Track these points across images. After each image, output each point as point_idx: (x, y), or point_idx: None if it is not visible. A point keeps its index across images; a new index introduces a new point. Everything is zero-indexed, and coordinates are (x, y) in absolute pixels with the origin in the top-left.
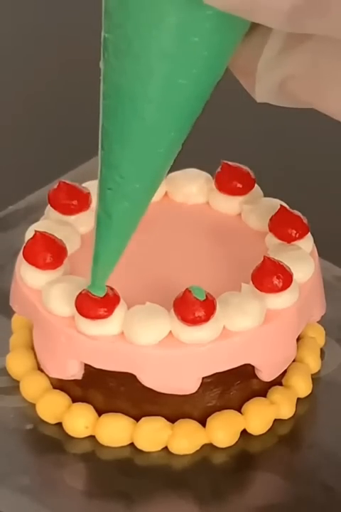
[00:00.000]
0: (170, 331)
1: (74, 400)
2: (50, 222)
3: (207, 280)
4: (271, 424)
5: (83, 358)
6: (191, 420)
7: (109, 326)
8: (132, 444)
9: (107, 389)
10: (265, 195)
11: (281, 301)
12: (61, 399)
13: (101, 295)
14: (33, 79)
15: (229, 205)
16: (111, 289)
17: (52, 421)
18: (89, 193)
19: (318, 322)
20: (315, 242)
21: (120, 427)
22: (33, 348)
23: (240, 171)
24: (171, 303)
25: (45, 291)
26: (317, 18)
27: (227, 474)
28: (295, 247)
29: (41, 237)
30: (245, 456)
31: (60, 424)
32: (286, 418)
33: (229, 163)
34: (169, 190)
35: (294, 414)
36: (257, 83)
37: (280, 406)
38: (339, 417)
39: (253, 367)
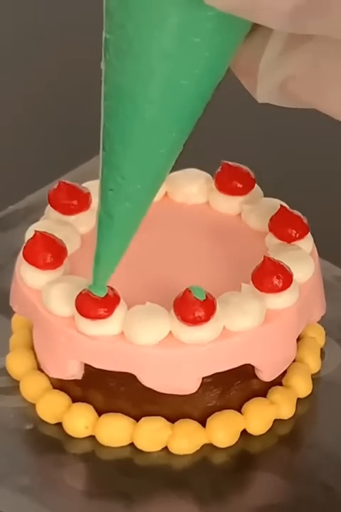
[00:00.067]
0: (170, 331)
1: (74, 400)
2: (50, 222)
3: (207, 280)
4: (271, 424)
5: (83, 358)
6: (191, 420)
7: (109, 326)
8: (132, 444)
9: (107, 389)
10: (265, 195)
11: (281, 301)
12: (61, 399)
13: (103, 295)
14: (33, 79)
15: (229, 205)
16: (112, 289)
17: (52, 421)
18: (89, 193)
19: (318, 322)
20: (315, 242)
21: (120, 427)
22: (33, 348)
23: (240, 171)
24: (171, 303)
25: (45, 291)
26: (318, 19)
27: (227, 474)
28: (295, 247)
29: (41, 237)
30: (245, 456)
31: (60, 424)
32: (286, 418)
33: (229, 163)
34: (169, 190)
35: (294, 414)
36: (258, 84)
37: (280, 406)
38: (339, 417)
39: (253, 367)
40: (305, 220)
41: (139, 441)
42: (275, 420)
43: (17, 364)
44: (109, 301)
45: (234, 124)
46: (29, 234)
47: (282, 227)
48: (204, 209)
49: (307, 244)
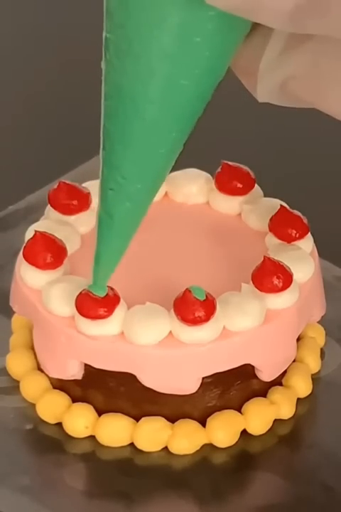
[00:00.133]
0: (170, 331)
1: (74, 400)
2: (50, 222)
3: (207, 280)
4: (271, 424)
5: (83, 358)
6: (191, 420)
7: (109, 326)
8: (132, 444)
9: (107, 389)
10: (265, 195)
11: (281, 301)
12: (61, 399)
13: (103, 295)
14: (33, 79)
15: (229, 205)
16: (112, 289)
17: (52, 421)
18: (89, 193)
19: (318, 322)
20: (315, 242)
21: (120, 427)
22: (33, 348)
23: (240, 171)
24: (171, 303)
25: (45, 291)
26: (318, 18)
27: (227, 474)
28: (295, 247)
29: (41, 237)
30: (245, 456)
31: (60, 424)
32: (286, 418)
33: (229, 163)
34: (169, 190)
35: (294, 414)
36: (259, 83)
37: (280, 406)
38: (339, 417)
39: (253, 367)
40: (305, 220)
41: (139, 441)
42: (275, 420)
43: (17, 364)
44: (109, 301)
45: (234, 124)
46: (29, 234)
47: (282, 227)
48: (204, 209)
49: (307, 244)
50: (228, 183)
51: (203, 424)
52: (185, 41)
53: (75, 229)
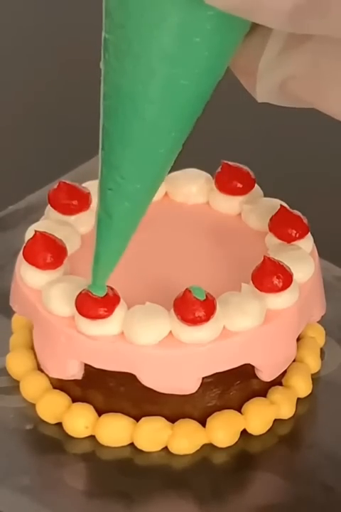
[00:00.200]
0: (170, 331)
1: (74, 400)
2: (50, 222)
3: (207, 280)
4: (271, 424)
5: (83, 358)
6: (191, 420)
7: (109, 326)
8: (132, 444)
9: (107, 389)
10: (265, 195)
11: (281, 301)
12: (61, 399)
13: (102, 295)
14: (33, 79)
15: (229, 205)
16: (111, 289)
17: (52, 421)
18: (89, 193)
19: (318, 322)
20: (315, 242)
21: (120, 427)
22: (33, 348)
23: (240, 171)
24: (171, 303)
25: (45, 291)
26: (318, 19)
27: (227, 474)
28: (295, 247)
29: (41, 237)
30: (245, 456)
31: (60, 424)
32: (286, 418)
33: (229, 163)
34: (169, 190)
35: (294, 414)
36: (258, 83)
37: (280, 406)
38: (339, 417)
39: (253, 367)
40: (305, 220)
41: (139, 441)
42: (275, 420)
43: (17, 364)
44: (109, 301)
45: (234, 124)
46: (29, 234)
47: (282, 227)
48: (204, 209)
49: (307, 244)
50: (228, 183)
51: (203, 424)
52: (185, 41)
53: (75, 229)
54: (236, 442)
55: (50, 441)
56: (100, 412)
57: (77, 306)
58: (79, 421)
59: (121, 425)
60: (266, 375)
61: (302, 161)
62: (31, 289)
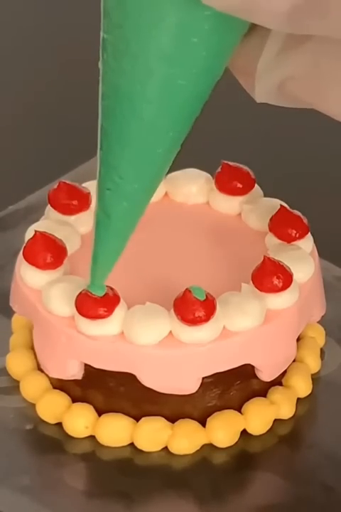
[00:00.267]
0: (170, 331)
1: (74, 400)
2: (50, 222)
3: (207, 280)
4: (271, 424)
5: (83, 358)
6: (191, 420)
7: (109, 326)
8: (132, 444)
9: (107, 389)
10: (265, 195)
11: (281, 301)
12: (61, 399)
13: (101, 295)
14: (33, 79)
15: (229, 205)
16: (111, 289)
17: (52, 421)
18: (89, 193)
19: (318, 322)
20: (315, 242)
21: (120, 427)
22: (33, 348)
23: (240, 171)
24: (171, 303)
25: (45, 291)
26: (317, 19)
27: (227, 474)
28: (295, 247)
29: (41, 237)
30: (245, 456)
31: (60, 424)
32: (286, 418)
33: (229, 163)
34: (169, 190)
35: (294, 414)
36: (257, 83)
37: (280, 406)
38: (339, 417)
39: (253, 367)
40: (305, 220)
41: (139, 441)
42: (275, 420)
43: (17, 364)
44: (109, 300)
45: (234, 124)
46: (29, 234)
47: (282, 227)
48: (204, 209)
49: (307, 244)
50: (228, 183)
51: (203, 424)
52: (183, 41)
53: (75, 229)
54: (236, 442)
55: (50, 441)
56: (100, 412)
57: (76, 306)
58: (79, 421)
59: (121, 425)
60: (266, 375)
61: (302, 161)
62: (31, 289)
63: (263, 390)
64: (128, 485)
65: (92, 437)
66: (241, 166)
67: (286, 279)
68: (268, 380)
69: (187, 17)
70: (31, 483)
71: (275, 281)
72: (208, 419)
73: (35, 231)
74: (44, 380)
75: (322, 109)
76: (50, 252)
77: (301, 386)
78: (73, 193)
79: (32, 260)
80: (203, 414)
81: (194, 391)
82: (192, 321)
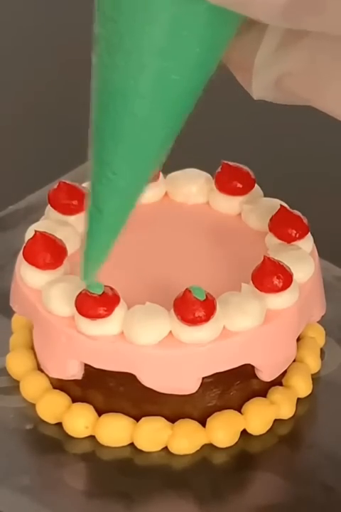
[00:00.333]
0: (170, 331)
1: (74, 400)
2: (50, 222)
3: (207, 280)
4: (271, 424)
5: (83, 358)
6: (191, 420)
7: (109, 326)
8: (132, 444)
9: (107, 389)
10: (265, 195)
11: (281, 301)
12: (61, 399)
13: (99, 293)
14: (33, 79)
15: (229, 205)
16: (111, 288)
17: (52, 421)
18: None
19: (318, 322)
20: (315, 242)
21: (120, 427)
22: (33, 348)
23: (240, 171)
24: (171, 303)
25: (45, 291)
26: (313, 15)
27: (227, 474)
28: (295, 247)
29: (41, 237)
30: (245, 456)
31: (60, 424)
32: (286, 418)
33: (229, 163)
34: (169, 190)
35: (294, 414)
36: (254, 79)
37: (280, 406)
38: (339, 417)
39: (253, 367)
40: (305, 220)
41: (139, 441)
42: (276, 420)
43: (17, 364)
44: (109, 300)
45: (234, 124)
46: (29, 234)
47: (282, 227)
48: (204, 209)
49: (307, 244)
50: (228, 183)
51: (203, 424)
52: (176, 36)
53: (75, 229)
54: (236, 442)
55: (50, 441)
56: (100, 412)
57: (76, 306)
58: (79, 421)
59: (121, 425)
60: (266, 375)
61: (302, 161)
62: (31, 289)
63: (263, 390)
64: (128, 485)
65: (92, 437)
66: (241, 166)
67: (286, 279)
68: (268, 380)
69: (181, 11)
70: (31, 483)
71: (275, 281)
72: (208, 419)
73: (35, 231)
74: (44, 380)
75: (319, 106)
76: (50, 252)
77: (301, 386)
78: (73, 193)
79: (32, 260)
80: (203, 414)
81: (194, 391)
82: (192, 321)
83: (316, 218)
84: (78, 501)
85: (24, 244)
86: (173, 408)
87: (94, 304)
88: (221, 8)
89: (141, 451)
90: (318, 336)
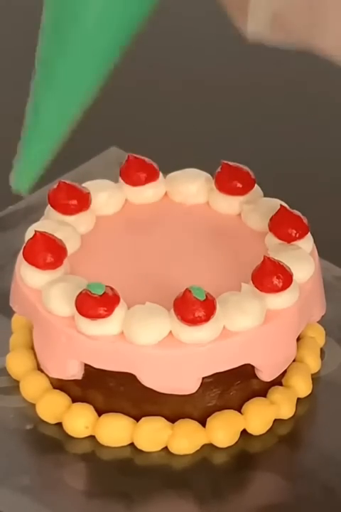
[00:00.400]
0: (170, 331)
1: (74, 400)
2: (50, 222)
3: (207, 280)
4: (271, 424)
5: (83, 358)
6: (191, 420)
7: (109, 326)
8: (132, 444)
9: (107, 389)
10: (265, 195)
11: (281, 301)
12: (61, 399)
13: (100, 293)
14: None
15: (229, 205)
16: (111, 288)
17: (52, 421)
18: (88, 193)
19: (318, 322)
20: (315, 242)
21: (120, 427)
22: (33, 348)
23: (240, 171)
24: (171, 303)
25: (45, 291)
26: None
27: (227, 474)
28: (295, 247)
29: (41, 237)
30: (245, 456)
31: (60, 424)
32: (286, 418)
33: (229, 163)
34: (169, 190)
35: (294, 414)
36: (249, 16)
37: (280, 406)
38: (339, 417)
39: (253, 367)
40: (305, 220)
41: (139, 441)
42: (275, 420)
43: (17, 364)
44: (109, 300)
45: (234, 124)
46: (29, 234)
47: (282, 227)
48: (204, 209)
49: (307, 244)
50: (228, 183)
51: (203, 424)
52: None
53: (75, 229)
54: (236, 442)
55: (50, 441)
56: (100, 412)
57: (76, 306)
58: (79, 421)
59: (121, 425)
60: (266, 375)
61: (302, 161)
62: (31, 289)
63: (263, 390)
64: (128, 485)
65: (92, 437)
66: (241, 166)
67: (286, 279)
68: (268, 380)
69: None
70: (31, 483)
71: (275, 281)
72: (208, 419)
73: (35, 231)
74: (44, 380)
75: (317, 47)
76: (50, 252)
77: (301, 386)
78: (73, 193)
79: (32, 260)
80: (203, 414)
81: (194, 391)
82: (192, 321)
83: (316, 218)
84: (78, 501)
85: (24, 244)
86: (173, 408)
87: (94, 303)
88: None
89: (141, 451)
90: (318, 336)
